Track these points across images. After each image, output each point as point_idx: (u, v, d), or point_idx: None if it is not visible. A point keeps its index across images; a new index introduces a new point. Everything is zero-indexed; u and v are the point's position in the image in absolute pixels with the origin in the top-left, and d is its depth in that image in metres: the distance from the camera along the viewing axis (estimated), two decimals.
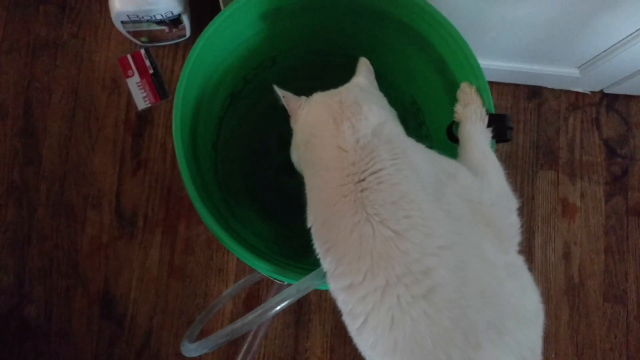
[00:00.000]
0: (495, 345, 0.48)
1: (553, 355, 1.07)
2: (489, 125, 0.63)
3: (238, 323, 0.58)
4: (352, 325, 0.51)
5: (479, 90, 0.65)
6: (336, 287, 0.52)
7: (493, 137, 0.63)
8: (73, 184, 1.06)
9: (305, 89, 0.66)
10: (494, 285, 0.51)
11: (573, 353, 1.08)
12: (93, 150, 1.07)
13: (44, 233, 1.05)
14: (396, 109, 0.64)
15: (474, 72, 0.65)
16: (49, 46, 1.10)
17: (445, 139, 0.68)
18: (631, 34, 0.89)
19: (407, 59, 0.78)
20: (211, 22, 0.66)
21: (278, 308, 0.58)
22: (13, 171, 1.06)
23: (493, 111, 0.65)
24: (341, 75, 0.67)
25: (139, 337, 1.04)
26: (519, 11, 0.84)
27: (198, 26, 1.08)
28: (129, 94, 1.08)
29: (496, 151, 0.63)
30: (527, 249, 1.09)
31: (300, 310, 1.05)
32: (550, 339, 1.07)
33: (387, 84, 0.69)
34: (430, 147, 0.59)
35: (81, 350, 1.03)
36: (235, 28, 0.70)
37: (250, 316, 0.59)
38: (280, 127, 0.72)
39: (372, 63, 0.67)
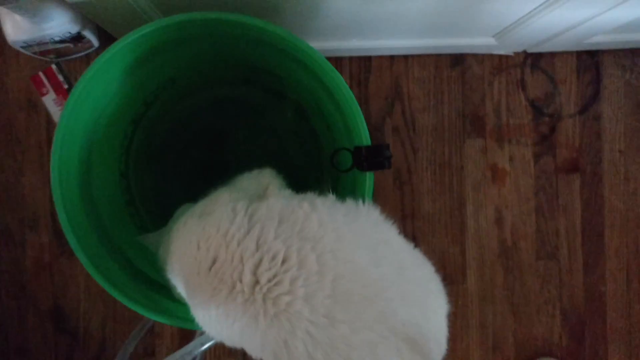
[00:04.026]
0: None
1: (490, 316, 1.13)
2: (366, 157, 0.64)
3: None
4: None
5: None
6: None
7: (370, 169, 0.65)
8: (7, 209, 1.08)
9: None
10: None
11: (509, 311, 1.13)
12: (21, 173, 1.08)
13: None
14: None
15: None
16: None
17: None
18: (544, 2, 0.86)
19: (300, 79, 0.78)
20: (78, 82, 0.65)
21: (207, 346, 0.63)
22: None
23: (369, 142, 0.65)
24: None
25: (94, 346, 1.09)
26: None
27: (107, 35, 1.05)
28: (47, 113, 1.07)
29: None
30: (459, 219, 1.12)
31: None
32: (486, 301, 1.13)
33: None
34: None
35: None
36: (108, 78, 0.69)
37: (177, 354, 0.64)
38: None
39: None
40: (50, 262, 1.08)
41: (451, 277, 1.12)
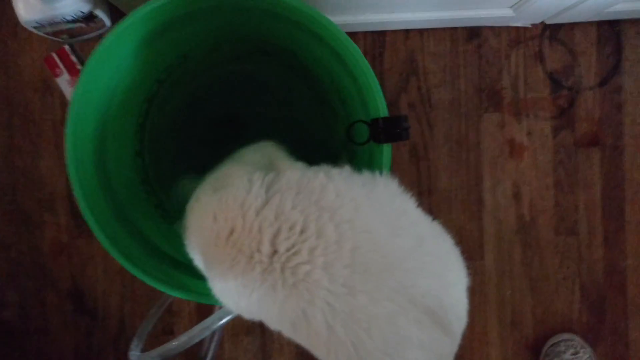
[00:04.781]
0: None
1: (508, 292, 1.12)
2: (383, 129, 0.63)
3: (184, 337, 0.64)
4: None
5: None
6: None
7: (388, 140, 0.64)
8: (24, 190, 1.08)
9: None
10: None
11: (527, 287, 1.12)
12: (37, 155, 1.08)
13: (6, 242, 1.09)
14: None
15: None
16: None
17: None
18: None
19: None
20: (89, 57, 0.64)
21: (225, 320, 0.63)
22: None
23: (387, 114, 0.64)
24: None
25: (113, 326, 1.10)
26: None
27: (119, 14, 1.05)
28: (62, 94, 1.07)
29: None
30: (477, 195, 1.11)
31: None
32: (504, 277, 1.12)
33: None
34: None
35: (61, 344, 1.10)
36: (121, 54, 0.68)
37: (196, 329, 0.64)
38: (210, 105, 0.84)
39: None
40: (68, 243, 1.09)
41: (469, 254, 1.10)
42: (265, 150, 0.66)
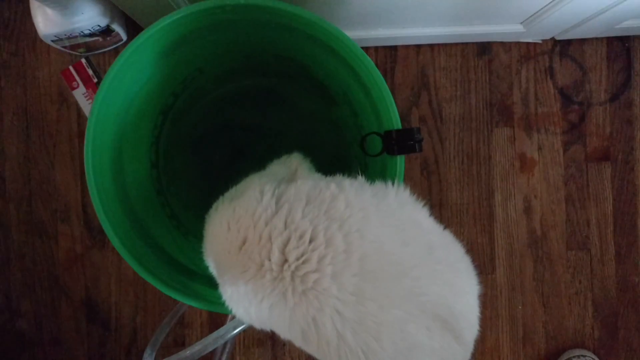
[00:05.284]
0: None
1: (520, 307, 1.12)
2: (397, 141, 0.64)
3: (197, 345, 0.64)
4: None
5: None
6: None
7: (401, 152, 0.64)
8: (40, 201, 1.10)
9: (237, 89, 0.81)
10: None
11: (539, 302, 1.12)
12: (53, 166, 1.10)
13: (21, 252, 1.10)
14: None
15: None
16: None
17: None
18: None
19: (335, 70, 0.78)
20: (110, 68, 0.66)
21: (239, 330, 0.63)
22: None
23: (400, 126, 0.65)
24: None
25: (126, 336, 1.11)
26: None
27: (135, 28, 1.07)
28: (78, 106, 1.09)
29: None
30: (488, 209, 1.11)
31: None
32: (516, 291, 1.11)
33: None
34: None
35: (74, 354, 1.10)
36: (139, 66, 0.70)
37: (210, 338, 0.64)
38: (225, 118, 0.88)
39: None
40: (82, 254, 1.10)
41: (480, 268, 1.10)
42: (290, 163, 0.67)
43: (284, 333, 0.52)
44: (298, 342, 0.51)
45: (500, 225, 1.12)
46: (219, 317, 1.09)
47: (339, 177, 0.57)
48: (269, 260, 0.49)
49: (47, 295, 1.11)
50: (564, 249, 1.12)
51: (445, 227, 0.58)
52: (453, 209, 1.11)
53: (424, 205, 0.57)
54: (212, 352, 0.96)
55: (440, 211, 1.11)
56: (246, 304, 0.51)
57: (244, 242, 0.51)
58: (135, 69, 0.70)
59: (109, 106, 0.68)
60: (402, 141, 0.64)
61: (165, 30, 0.66)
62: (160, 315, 1.10)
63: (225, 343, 0.94)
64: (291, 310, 0.49)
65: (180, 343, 1.10)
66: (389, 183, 0.57)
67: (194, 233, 0.85)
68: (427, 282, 0.50)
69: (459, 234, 1.10)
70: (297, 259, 0.49)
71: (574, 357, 1.08)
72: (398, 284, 0.49)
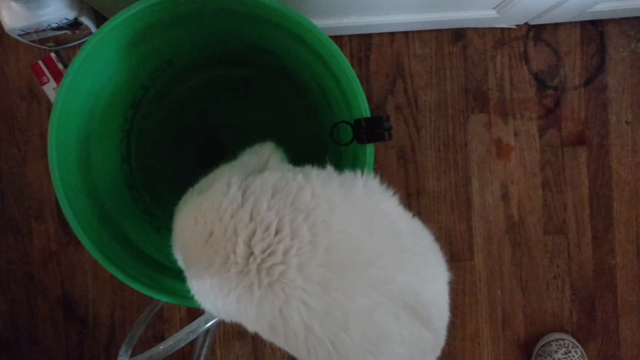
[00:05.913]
0: None
1: (499, 292, 1.12)
2: (366, 129, 0.64)
3: (170, 340, 0.64)
4: None
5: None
6: None
7: (370, 140, 0.64)
8: (12, 199, 1.08)
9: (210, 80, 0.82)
10: None
11: (518, 287, 1.12)
12: (25, 163, 1.08)
13: None
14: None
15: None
16: None
17: None
18: None
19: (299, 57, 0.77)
20: (73, 60, 0.64)
21: (210, 323, 0.63)
22: None
23: (369, 114, 0.65)
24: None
25: (104, 333, 1.10)
26: None
27: (105, 20, 1.05)
28: (48, 101, 1.07)
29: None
30: (465, 196, 1.11)
31: None
32: (494, 277, 1.12)
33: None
34: None
35: (52, 353, 1.09)
36: (104, 58, 0.69)
37: (182, 332, 0.64)
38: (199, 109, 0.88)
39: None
40: (58, 251, 1.09)
41: (458, 254, 1.11)
42: (262, 153, 0.67)
43: (252, 326, 0.51)
44: (266, 335, 0.51)
45: (477, 211, 1.12)
46: (197, 312, 1.08)
47: (307, 168, 0.57)
48: (234, 253, 0.49)
49: (23, 294, 1.09)
50: (542, 234, 1.12)
51: (418, 215, 0.57)
52: (430, 197, 1.11)
53: (394, 193, 0.57)
54: (193, 346, 0.96)
55: (418, 199, 1.11)
56: (212, 297, 0.51)
57: (210, 236, 0.51)
58: (99, 61, 0.69)
59: (72, 101, 0.66)
60: (371, 130, 0.63)
61: (128, 22, 0.65)
62: (139, 311, 1.09)
63: (206, 336, 0.93)
64: (258, 303, 0.48)
65: (159, 338, 1.09)
66: (358, 172, 0.56)
67: (168, 227, 0.84)
68: (394, 271, 0.50)
69: (436, 222, 1.10)
70: (263, 252, 0.49)
71: (553, 340, 1.09)
72: (364, 273, 0.49)
